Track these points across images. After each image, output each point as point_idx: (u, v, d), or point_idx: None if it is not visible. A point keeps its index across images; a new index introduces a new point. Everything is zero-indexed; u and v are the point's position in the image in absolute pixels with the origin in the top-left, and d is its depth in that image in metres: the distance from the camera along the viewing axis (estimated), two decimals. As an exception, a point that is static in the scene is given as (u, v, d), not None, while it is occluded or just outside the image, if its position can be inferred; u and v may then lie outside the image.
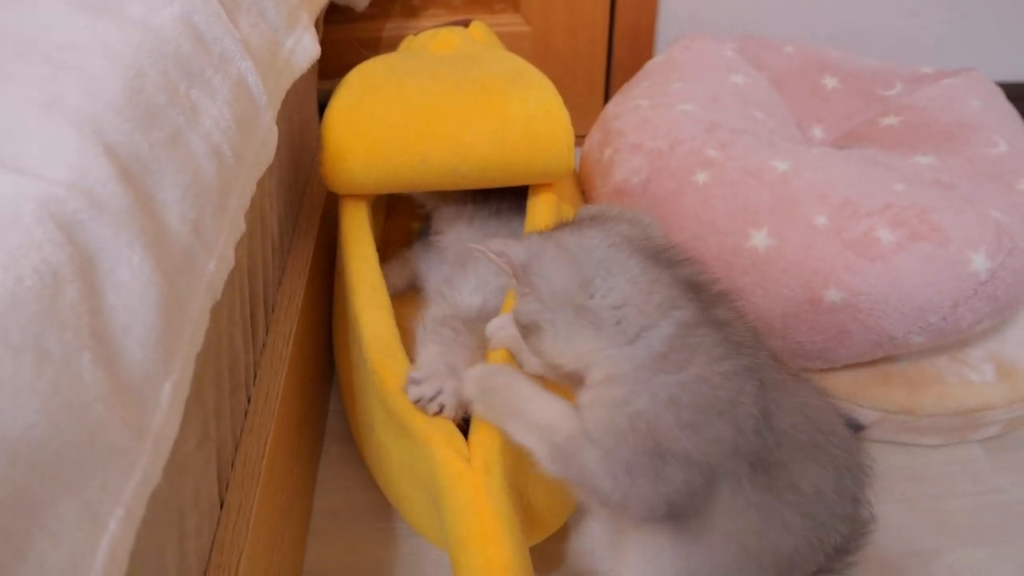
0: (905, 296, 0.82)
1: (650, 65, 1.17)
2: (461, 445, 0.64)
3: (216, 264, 0.51)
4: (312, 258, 0.92)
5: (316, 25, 1.11)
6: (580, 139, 1.13)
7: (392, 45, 1.28)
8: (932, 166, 0.94)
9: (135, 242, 0.43)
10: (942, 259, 0.83)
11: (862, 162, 0.94)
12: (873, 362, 0.91)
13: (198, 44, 0.59)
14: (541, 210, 0.88)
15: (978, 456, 0.93)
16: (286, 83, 0.75)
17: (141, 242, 0.43)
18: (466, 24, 1.16)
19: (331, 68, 1.09)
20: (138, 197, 0.45)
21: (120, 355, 0.41)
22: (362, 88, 0.86)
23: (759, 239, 0.86)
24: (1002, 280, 0.83)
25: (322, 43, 1.24)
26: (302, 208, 0.98)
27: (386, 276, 0.82)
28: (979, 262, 0.83)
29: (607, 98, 1.37)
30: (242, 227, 0.58)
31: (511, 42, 1.28)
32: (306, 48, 0.81)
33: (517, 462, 0.68)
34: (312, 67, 1.12)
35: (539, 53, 1.30)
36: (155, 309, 0.43)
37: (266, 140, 0.65)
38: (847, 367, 0.90)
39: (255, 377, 0.74)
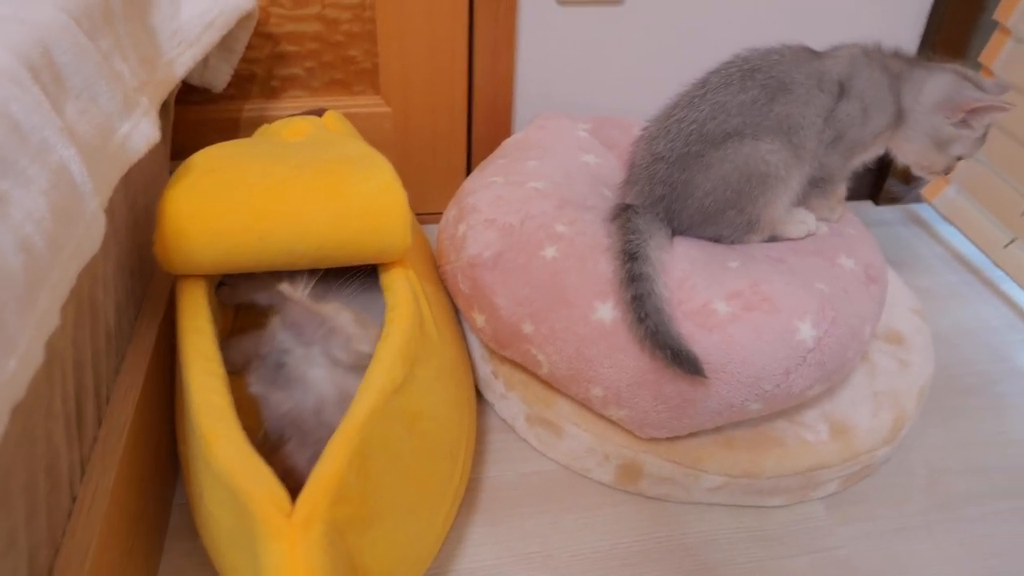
0: (741, 365, 0.87)
1: (507, 143, 1.20)
2: (283, 502, 0.63)
3: (17, 362, 0.49)
4: (155, 346, 0.89)
5: (166, 106, 1.11)
6: (440, 216, 1.15)
7: (251, 126, 1.29)
8: (763, 244, 1.00)
9: (-86, 346, 0.41)
10: (773, 329, 0.87)
11: (701, 239, 1.00)
12: (717, 428, 0.95)
13: (14, 134, 0.57)
14: (398, 284, 0.89)
15: (819, 513, 0.97)
16: (119, 169, 0.73)
17: (-79, 345, 0.41)
18: (320, 113, 1.19)
19: (187, 149, 1.07)
20: (-78, 297, 0.43)
21: None
22: (202, 168, 0.86)
23: (605, 311, 0.89)
24: (828, 347, 0.89)
25: (177, 124, 1.24)
26: (147, 294, 0.95)
27: (230, 351, 0.81)
28: (806, 331, 0.88)
29: (469, 174, 1.40)
30: (55, 321, 0.56)
31: (373, 122, 1.31)
32: (144, 133, 0.80)
33: (351, 522, 0.67)
34: (163, 149, 1.11)
35: (400, 132, 1.32)
36: (-65, 416, 0.41)
37: (91, 228, 0.64)
38: (692, 434, 0.94)
39: (82, 475, 0.70)
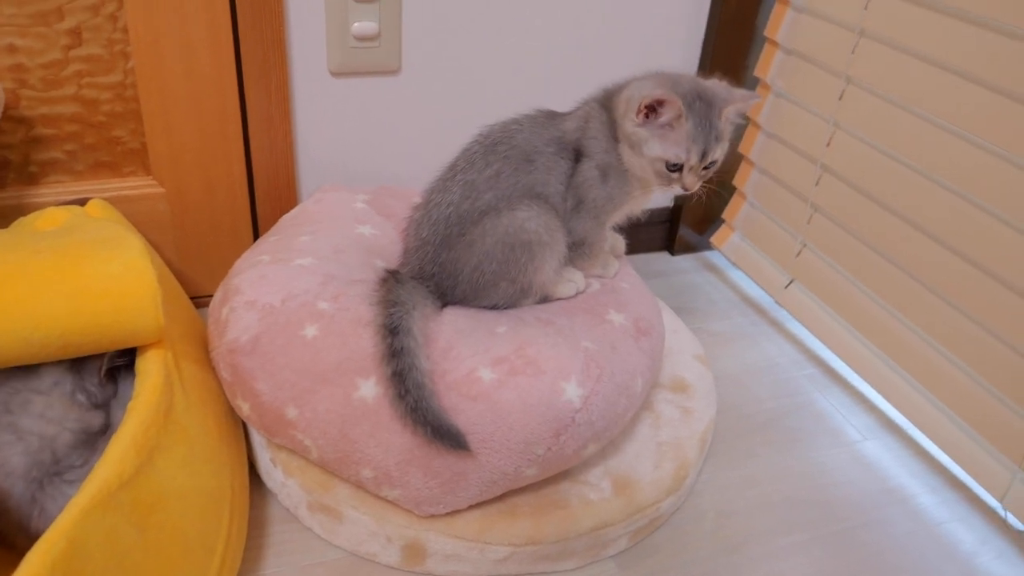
0: (509, 431, 0.85)
1: (283, 219, 1.17)
2: None
3: None
4: None
5: None
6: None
7: (11, 215, 1.20)
8: (534, 306, 1.01)
9: None
10: (538, 392, 0.87)
11: (471, 308, 0.99)
12: (500, 497, 0.93)
13: None
14: (150, 368, 0.86)
15: (612, 571, 0.96)
16: None
17: None
18: (83, 203, 1.13)
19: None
20: None
21: None
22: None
23: (367, 389, 0.87)
24: (595, 405, 0.89)
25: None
26: None
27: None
28: (572, 391, 0.88)
29: (257, 251, 1.35)
30: None
31: (147, 204, 1.24)
32: None
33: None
34: None
35: (177, 213, 1.26)
36: None
37: None
38: (474, 506, 0.91)
39: None
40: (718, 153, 0.96)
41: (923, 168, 1.14)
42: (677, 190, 0.98)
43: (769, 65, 1.43)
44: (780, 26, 1.39)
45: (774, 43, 1.42)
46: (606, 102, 0.99)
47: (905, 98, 1.16)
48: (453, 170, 0.98)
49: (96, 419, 0.86)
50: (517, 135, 0.97)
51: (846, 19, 1.25)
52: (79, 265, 0.83)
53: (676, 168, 0.95)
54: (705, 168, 0.97)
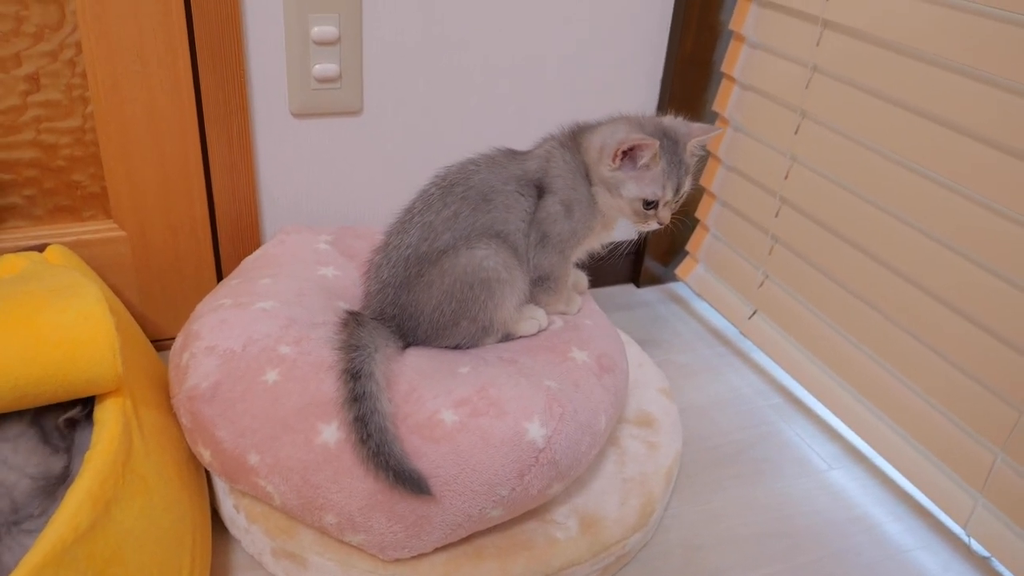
0: (472, 473, 0.85)
1: (245, 261, 1.17)
2: None
3: None
4: None
5: None
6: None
7: (-33, 260, 1.18)
8: (496, 346, 1.01)
9: None
10: (501, 433, 0.87)
11: (434, 349, 0.99)
12: (466, 539, 0.92)
13: None
14: (108, 417, 0.84)
15: (580, 612, 0.96)
16: None
17: None
18: (41, 249, 1.12)
19: None
20: None
21: None
22: None
23: (329, 433, 0.86)
24: (559, 444, 0.89)
25: None
26: None
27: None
28: (535, 431, 0.88)
29: (221, 293, 1.35)
30: None
31: (109, 248, 1.24)
32: None
33: None
34: None
35: (140, 257, 1.25)
36: None
37: None
38: (440, 549, 0.91)
39: None
40: (687, 185, 1.02)
41: (877, 200, 1.17)
42: (653, 225, 1.03)
43: (727, 100, 1.46)
44: (736, 62, 1.42)
45: (731, 79, 1.45)
46: (568, 141, 1.01)
47: (858, 132, 1.19)
48: (411, 212, 0.99)
49: (57, 463, 0.85)
50: (474, 175, 0.98)
51: (799, 55, 1.28)
52: (34, 315, 0.82)
53: (652, 205, 1.00)
54: (676, 201, 1.03)
